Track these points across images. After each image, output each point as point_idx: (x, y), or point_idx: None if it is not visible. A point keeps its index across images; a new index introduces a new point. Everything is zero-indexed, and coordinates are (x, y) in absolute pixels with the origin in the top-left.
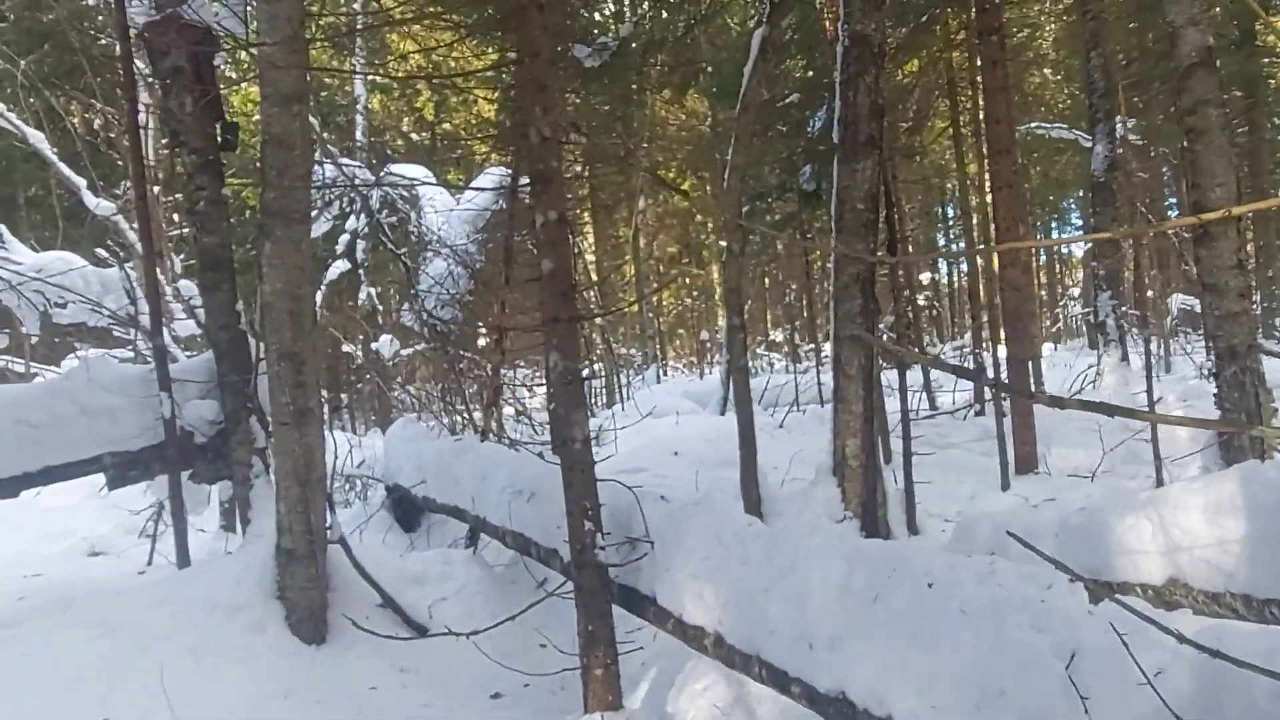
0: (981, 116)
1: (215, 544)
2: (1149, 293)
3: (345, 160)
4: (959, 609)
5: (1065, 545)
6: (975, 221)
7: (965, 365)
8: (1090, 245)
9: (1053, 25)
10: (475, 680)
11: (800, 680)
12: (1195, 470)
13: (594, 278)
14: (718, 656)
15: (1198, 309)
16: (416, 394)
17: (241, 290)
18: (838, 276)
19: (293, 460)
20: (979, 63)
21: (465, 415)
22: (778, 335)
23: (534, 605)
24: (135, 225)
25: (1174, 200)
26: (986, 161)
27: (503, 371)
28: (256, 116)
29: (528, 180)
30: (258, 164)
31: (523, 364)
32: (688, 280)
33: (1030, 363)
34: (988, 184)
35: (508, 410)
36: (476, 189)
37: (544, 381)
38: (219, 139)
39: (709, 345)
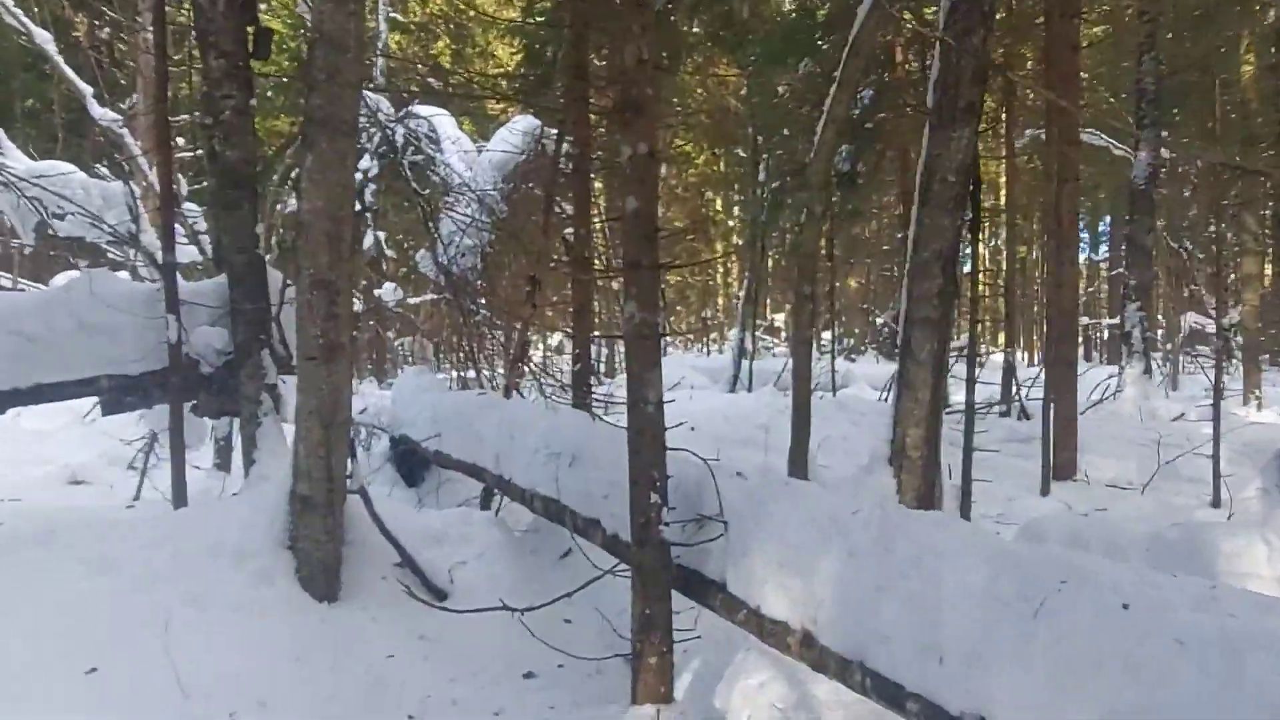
0: (1046, 104)
1: (208, 483)
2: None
3: (369, 92)
4: (1173, 638)
5: (1160, 561)
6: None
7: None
8: (1123, 256)
9: (1099, 28)
10: (503, 656)
11: (921, 697)
12: (1254, 491)
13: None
14: (804, 658)
15: (1209, 328)
16: (422, 346)
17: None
18: (917, 252)
19: (318, 399)
20: (1047, 46)
21: (480, 370)
22: (779, 320)
23: (592, 582)
24: (140, 142)
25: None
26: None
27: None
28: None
29: (565, 133)
30: (286, 79)
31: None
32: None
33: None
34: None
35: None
36: (503, 147)
37: (572, 346)
38: (250, 45)
39: (711, 322)
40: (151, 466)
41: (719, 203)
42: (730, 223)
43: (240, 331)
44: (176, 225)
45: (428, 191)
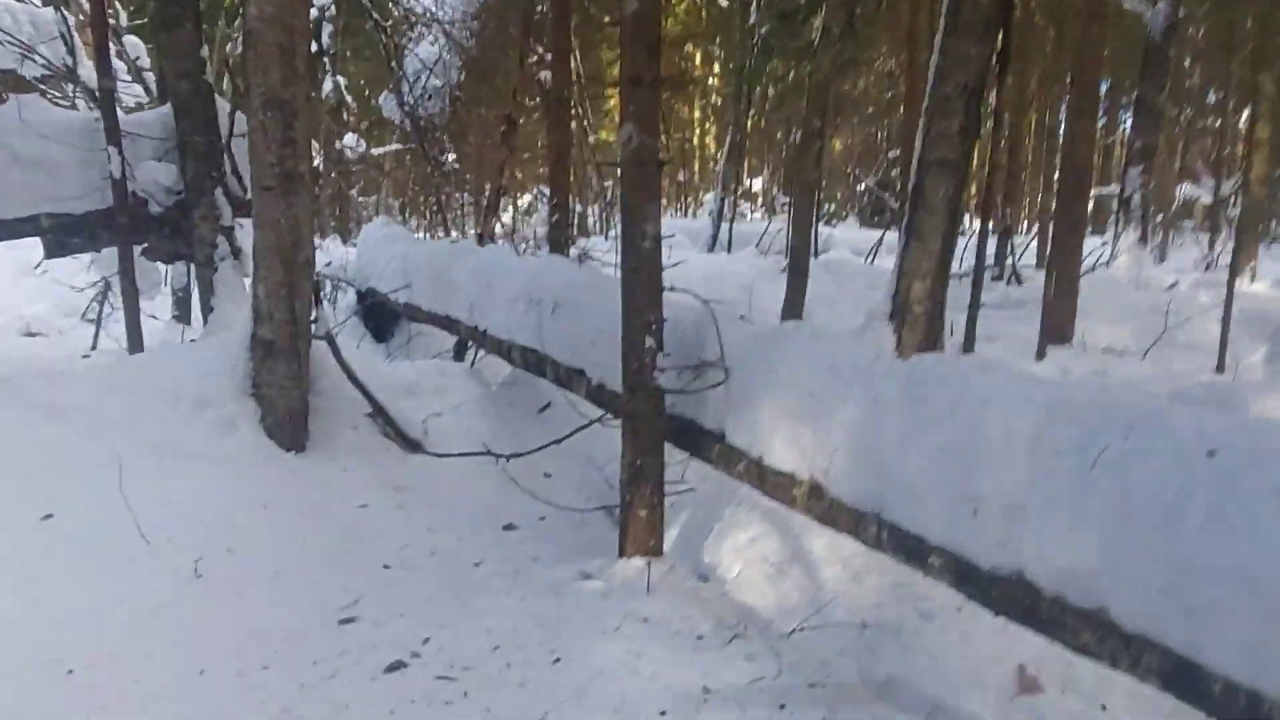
0: None
1: (167, 335)
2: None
3: None
4: (1270, 489)
5: None
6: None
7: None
8: (1133, 119)
9: None
10: (483, 507)
11: (946, 551)
12: (1259, 357)
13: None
14: (811, 511)
15: (1205, 199)
16: (388, 204)
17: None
18: (939, 85)
19: (277, 234)
20: None
21: (449, 225)
22: (756, 185)
23: (582, 429)
24: None
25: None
26: None
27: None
28: None
29: None
30: None
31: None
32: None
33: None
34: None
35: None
36: None
37: (549, 197)
38: None
39: (687, 185)
40: (107, 316)
41: (698, 57)
42: (711, 80)
43: (190, 167)
44: (118, 62)
45: (389, 24)
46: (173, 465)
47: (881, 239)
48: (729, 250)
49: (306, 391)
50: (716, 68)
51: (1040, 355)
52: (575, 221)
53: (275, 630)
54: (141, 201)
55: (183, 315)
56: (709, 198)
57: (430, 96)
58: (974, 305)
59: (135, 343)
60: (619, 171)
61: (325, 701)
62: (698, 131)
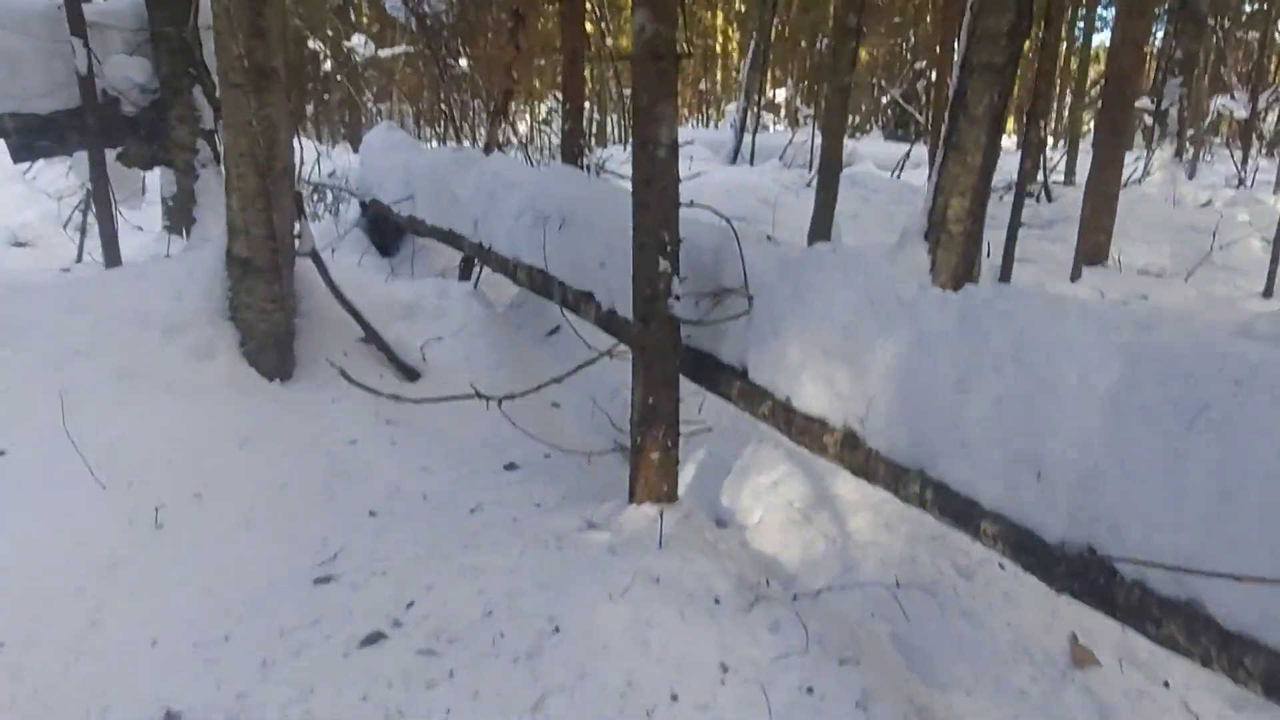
0: None
1: (158, 248)
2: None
3: None
4: None
5: None
6: None
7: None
8: (1174, 26)
9: None
10: (482, 444)
11: (1002, 517)
12: None
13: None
14: (845, 461)
15: (1240, 113)
16: (400, 112)
17: None
18: None
19: (248, 138)
20: None
21: (460, 132)
22: (779, 96)
23: (585, 366)
24: None
25: None
26: None
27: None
28: None
29: None
30: None
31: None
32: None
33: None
34: None
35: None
36: None
37: (562, 102)
38: None
39: (709, 95)
40: (91, 225)
41: None
42: None
43: (164, 62)
44: None
45: None
46: (141, 395)
47: (908, 153)
48: (751, 163)
49: (291, 314)
50: None
51: (1075, 276)
52: (595, 130)
53: (240, 592)
54: (113, 101)
55: (174, 226)
56: (730, 108)
57: None
58: (1014, 225)
59: (112, 257)
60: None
61: (288, 684)
62: (720, 39)
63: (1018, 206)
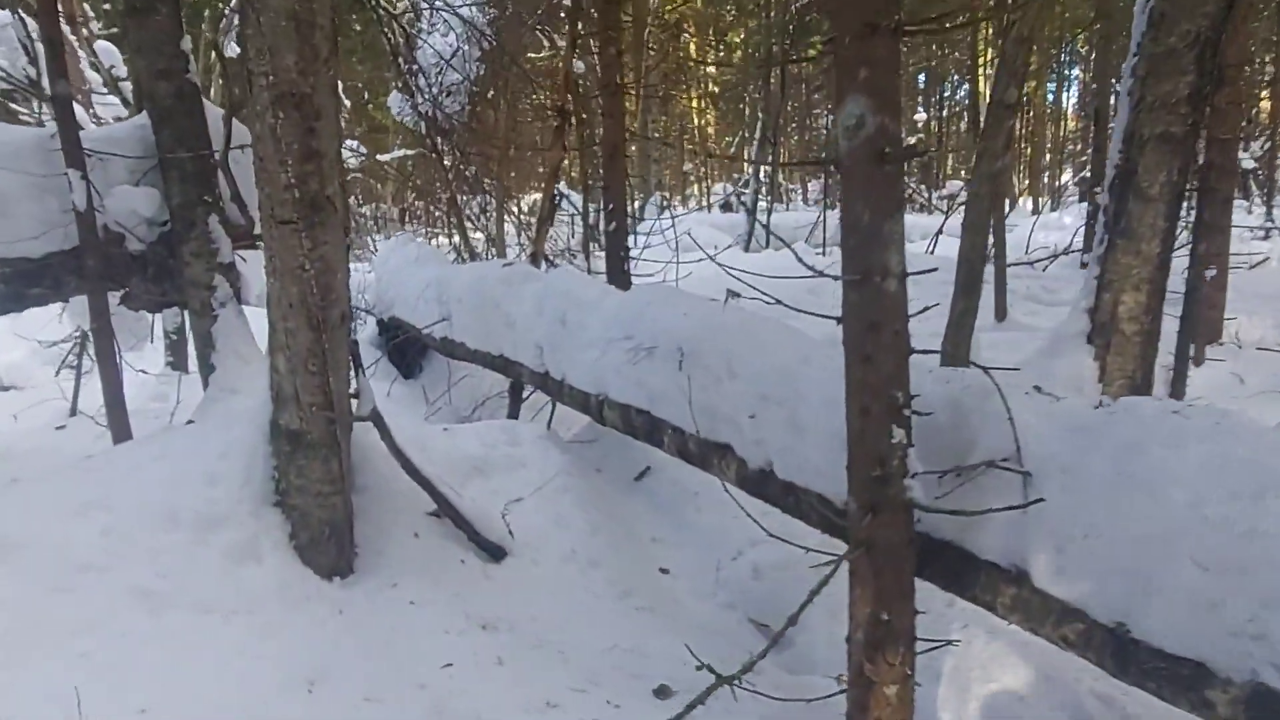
0: None
1: (162, 389)
2: None
3: None
4: None
5: None
6: None
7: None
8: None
9: None
10: (604, 652)
11: None
12: None
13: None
14: None
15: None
16: (385, 213)
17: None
18: (1158, 37)
19: (300, 285)
20: None
21: (466, 233)
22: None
23: (823, 584)
24: None
25: None
26: None
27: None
28: None
29: None
30: None
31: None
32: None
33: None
34: None
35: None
36: None
37: (603, 201)
38: None
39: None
40: (86, 371)
41: (693, 47)
42: (707, 69)
43: (176, 191)
44: (92, 73)
45: (400, 11)
46: (168, 627)
47: (941, 228)
48: (766, 245)
49: (349, 495)
50: (711, 55)
51: (1199, 360)
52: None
53: None
54: (116, 238)
55: (178, 362)
56: (719, 188)
57: (449, 94)
58: (1190, 315)
59: (118, 422)
60: (839, 174)
61: None
62: (696, 120)
63: (1193, 286)
